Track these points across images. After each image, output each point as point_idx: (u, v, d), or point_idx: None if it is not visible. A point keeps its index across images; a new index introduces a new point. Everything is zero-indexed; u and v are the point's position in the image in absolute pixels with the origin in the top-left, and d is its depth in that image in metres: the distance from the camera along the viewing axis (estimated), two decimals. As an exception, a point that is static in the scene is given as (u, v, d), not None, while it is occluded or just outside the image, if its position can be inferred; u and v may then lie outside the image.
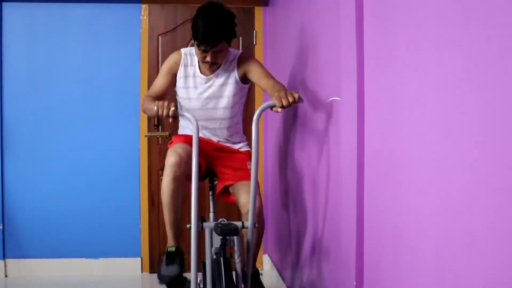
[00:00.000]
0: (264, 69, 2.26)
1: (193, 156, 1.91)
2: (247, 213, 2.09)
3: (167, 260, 2.14)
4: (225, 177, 2.31)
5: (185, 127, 2.41)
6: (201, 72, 2.28)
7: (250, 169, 2.22)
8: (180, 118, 2.42)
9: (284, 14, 2.97)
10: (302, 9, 2.45)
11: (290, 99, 1.82)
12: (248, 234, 2.01)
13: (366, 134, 1.59)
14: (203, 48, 2.12)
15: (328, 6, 1.96)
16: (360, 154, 1.61)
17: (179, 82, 2.30)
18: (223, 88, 2.27)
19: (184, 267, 2.17)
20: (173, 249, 2.17)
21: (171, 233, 2.19)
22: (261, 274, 2.32)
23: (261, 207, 2.18)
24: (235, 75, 2.27)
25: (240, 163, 2.31)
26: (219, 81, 2.27)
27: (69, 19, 3.57)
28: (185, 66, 2.29)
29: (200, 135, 2.29)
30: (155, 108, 1.94)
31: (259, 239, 2.24)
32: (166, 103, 1.93)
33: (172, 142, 2.35)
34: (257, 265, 3.33)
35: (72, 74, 3.57)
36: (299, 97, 1.86)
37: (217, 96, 2.28)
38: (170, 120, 1.95)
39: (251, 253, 2.06)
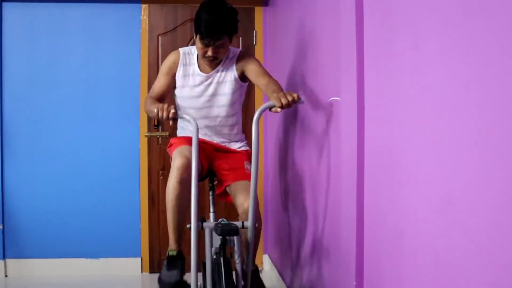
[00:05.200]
0: (261, 67, 2.25)
1: (192, 157, 1.91)
2: (243, 212, 2.10)
3: (168, 264, 2.13)
4: (223, 177, 2.31)
5: (184, 128, 2.40)
6: (200, 70, 2.28)
7: (247, 169, 2.23)
8: (179, 119, 2.42)
9: (284, 14, 2.97)
10: (302, 9, 2.45)
11: (290, 99, 1.84)
12: (248, 234, 2.01)
13: (366, 134, 1.59)
14: (205, 42, 2.11)
15: (328, 6, 1.96)
16: (360, 154, 1.61)
17: (178, 81, 2.30)
18: (222, 85, 2.27)
19: (185, 271, 2.16)
20: (174, 253, 2.16)
21: (174, 236, 2.17)
22: (261, 271, 2.32)
23: (258, 206, 2.18)
24: (234, 72, 2.27)
25: (237, 163, 2.31)
26: (218, 78, 2.27)
27: (69, 19, 3.57)
28: (184, 65, 2.29)
29: (201, 136, 2.29)
30: (155, 110, 1.96)
31: (257, 237, 2.22)
32: (166, 106, 1.95)
33: (171, 145, 2.35)
34: (257, 264, 3.33)
35: (72, 74, 3.57)
36: (298, 97, 1.87)
37: (216, 93, 2.28)
38: (171, 123, 1.97)
39: (251, 252, 2.06)
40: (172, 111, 1.93)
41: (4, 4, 3.54)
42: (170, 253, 2.17)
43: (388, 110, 1.41)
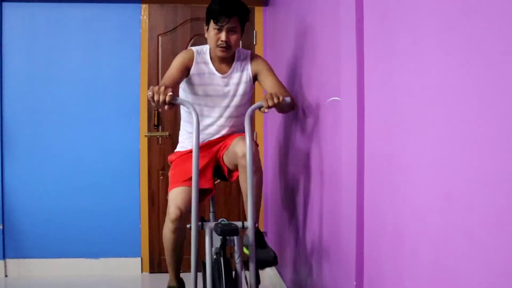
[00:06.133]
0: (276, 78, 2.29)
1: (193, 155, 1.89)
2: (243, 156, 2.02)
3: None
4: (223, 152, 2.30)
5: (187, 130, 2.39)
6: (216, 70, 2.28)
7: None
8: (182, 122, 2.41)
9: (284, 14, 2.97)
10: (302, 9, 2.45)
11: (275, 100, 1.94)
12: (248, 234, 2.00)
13: (366, 134, 1.59)
14: (219, 24, 2.13)
15: (328, 6, 1.96)
16: (360, 154, 1.61)
17: (194, 79, 2.26)
18: (238, 86, 2.30)
19: None
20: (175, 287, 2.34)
21: (173, 274, 2.33)
22: (265, 234, 2.35)
23: (257, 154, 2.14)
24: (249, 73, 2.30)
25: (234, 136, 2.30)
26: (234, 79, 2.29)
27: (69, 19, 3.57)
28: (198, 63, 2.28)
29: (202, 140, 2.29)
30: (150, 93, 1.80)
31: (258, 188, 2.14)
32: (162, 88, 1.80)
33: (172, 162, 2.36)
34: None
35: (72, 74, 3.57)
36: (283, 99, 1.97)
37: (233, 94, 2.29)
38: (166, 107, 1.81)
39: (252, 252, 2.05)
40: (169, 93, 1.79)
41: (4, 4, 3.54)
42: (171, 286, 2.35)
43: (388, 110, 1.41)
